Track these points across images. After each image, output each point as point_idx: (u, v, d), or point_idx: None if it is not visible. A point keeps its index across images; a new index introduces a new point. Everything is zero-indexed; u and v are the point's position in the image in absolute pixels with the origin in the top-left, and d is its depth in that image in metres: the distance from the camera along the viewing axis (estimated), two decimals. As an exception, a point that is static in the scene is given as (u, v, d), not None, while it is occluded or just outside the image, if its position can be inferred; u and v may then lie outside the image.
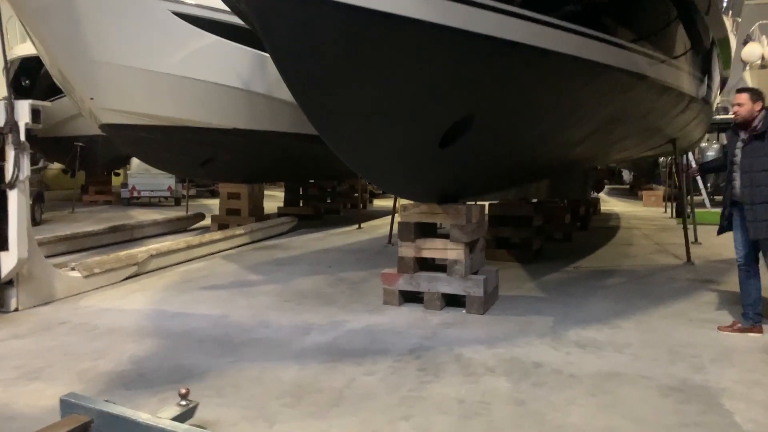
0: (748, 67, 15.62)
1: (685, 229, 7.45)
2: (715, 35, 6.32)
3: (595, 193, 16.87)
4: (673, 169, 13.12)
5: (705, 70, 6.64)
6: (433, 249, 5.01)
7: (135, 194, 15.60)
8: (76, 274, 5.44)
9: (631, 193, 22.63)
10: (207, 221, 10.87)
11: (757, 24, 15.72)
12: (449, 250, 4.93)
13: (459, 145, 4.26)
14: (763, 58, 14.80)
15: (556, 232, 9.58)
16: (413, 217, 5.06)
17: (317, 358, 3.69)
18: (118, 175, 18.74)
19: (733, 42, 8.15)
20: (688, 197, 9.12)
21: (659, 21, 5.01)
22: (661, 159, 17.16)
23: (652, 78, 5.17)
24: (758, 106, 4.28)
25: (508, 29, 3.68)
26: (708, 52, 6.46)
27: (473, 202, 5.32)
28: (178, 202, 16.04)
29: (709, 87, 7.17)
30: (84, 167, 15.43)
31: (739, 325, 4.37)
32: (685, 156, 11.04)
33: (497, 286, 5.37)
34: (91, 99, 7.07)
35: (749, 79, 17.40)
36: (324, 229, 10.91)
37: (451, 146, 4.19)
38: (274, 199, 14.51)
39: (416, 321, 4.60)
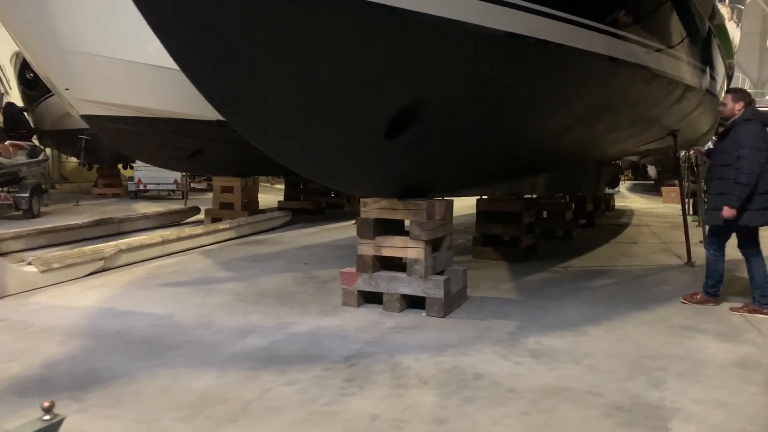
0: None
1: (686, 226, 6.97)
2: (710, 22, 5.83)
3: (613, 189, 16.28)
4: (692, 163, 12.50)
5: (705, 60, 6.16)
6: (393, 247, 4.70)
7: (141, 187, 15.61)
8: (31, 269, 5.30)
9: (655, 188, 21.80)
10: (202, 215, 10.74)
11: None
12: (409, 249, 4.62)
13: (411, 136, 3.94)
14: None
15: (558, 229, 9.16)
16: (372, 213, 4.75)
17: (242, 365, 3.43)
18: (132, 168, 18.89)
19: (735, 30, 7.60)
20: (694, 193, 8.59)
21: (640, 3, 4.59)
22: (682, 153, 16.44)
23: (636, 63, 4.75)
24: (739, 105, 4.57)
25: (458, 10, 3.35)
26: (706, 41, 5.99)
27: (441, 198, 4.98)
28: (185, 195, 16.02)
29: (713, 78, 6.67)
30: (90, 160, 15.51)
31: (699, 296, 4.91)
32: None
33: (464, 287, 5.04)
34: (66, 90, 6.95)
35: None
36: (321, 224, 10.68)
37: (400, 137, 3.87)
38: (279, 192, 14.33)
39: (369, 324, 4.31)
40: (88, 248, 6.12)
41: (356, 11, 2.96)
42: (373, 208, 4.76)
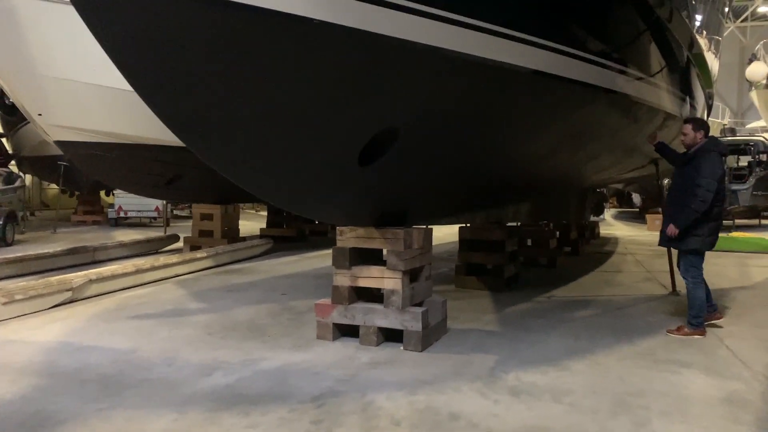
0: (754, 87, 15.03)
1: (669, 255, 6.87)
2: (688, 51, 5.85)
3: (598, 216, 16.26)
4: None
5: (685, 89, 6.16)
6: (370, 277, 4.54)
7: (122, 215, 15.35)
8: (-8, 301, 5.06)
9: (640, 216, 21.86)
10: (181, 243, 10.51)
11: (762, 43, 15.17)
12: (386, 279, 4.46)
13: (385, 163, 3.82)
14: (768, 77, 14.21)
15: (541, 257, 9.05)
16: (349, 241, 4.60)
17: (203, 405, 3.22)
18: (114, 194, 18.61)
19: (713, 61, 7.67)
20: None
21: (618, 31, 4.57)
22: (666, 181, 16.57)
23: (616, 91, 4.71)
24: (700, 134, 4.74)
25: (431, 36, 3.26)
26: (685, 70, 6.00)
27: (420, 226, 4.85)
28: (168, 223, 15.76)
29: (693, 107, 6.67)
30: (70, 186, 15.25)
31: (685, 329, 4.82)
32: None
33: (444, 319, 4.87)
34: (39, 115, 6.79)
35: (756, 100, 16.80)
36: (304, 251, 10.49)
37: (374, 164, 3.75)
38: (264, 219, 14.12)
39: (343, 359, 4.12)
40: (55, 279, 5.89)
41: (323, 37, 2.86)
42: (349, 237, 4.61)
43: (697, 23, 6.14)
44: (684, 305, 6.04)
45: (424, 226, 4.87)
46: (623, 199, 27.43)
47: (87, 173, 9.69)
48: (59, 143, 7.21)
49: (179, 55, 2.65)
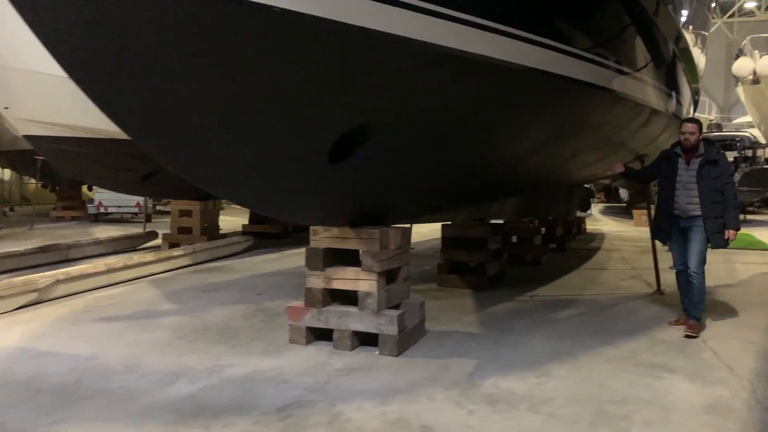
0: (740, 83, 14.98)
1: (654, 252, 6.77)
2: (674, 45, 5.72)
3: (585, 212, 16.19)
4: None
5: (671, 84, 6.03)
6: (344, 279, 4.37)
7: (102, 210, 15.04)
8: (-51, 303, 4.83)
9: (627, 212, 21.85)
10: (160, 240, 10.27)
11: (748, 38, 15.11)
12: (361, 281, 4.29)
13: (358, 161, 3.64)
14: (754, 73, 14.14)
15: (527, 254, 8.93)
16: (323, 242, 4.43)
17: (161, 418, 3.04)
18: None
19: (699, 56, 7.55)
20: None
21: (603, 25, 4.41)
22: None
23: (600, 86, 4.56)
24: (700, 135, 4.91)
25: (403, 26, 3.08)
26: (671, 65, 5.86)
27: (397, 225, 4.68)
28: (149, 219, 15.45)
29: (679, 102, 6.55)
30: (48, 181, 14.91)
31: (684, 318, 4.98)
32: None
33: (422, 321, 4.71)
34: (6, 108, 6.52)
35: (742, 95, 16.79)
36: (286, 248, 10.28)
37: (346, 162, 3.57)
38: (247, 215, 13.89)
39: (314, 365, 3.95)
40: (19, 279, 5.66)
41: (285, 26, 2.67)
42: (323, 237, 4.43)
43: (683, 18, 6.00)
44: (669, 304, 5.95)
45: (402, 226, 4.70)
46: (611, 195, 27.52)
47: (59, 169, 9.38)
48: (28, 138, 6.95)
49: (123, 45, 2.46)
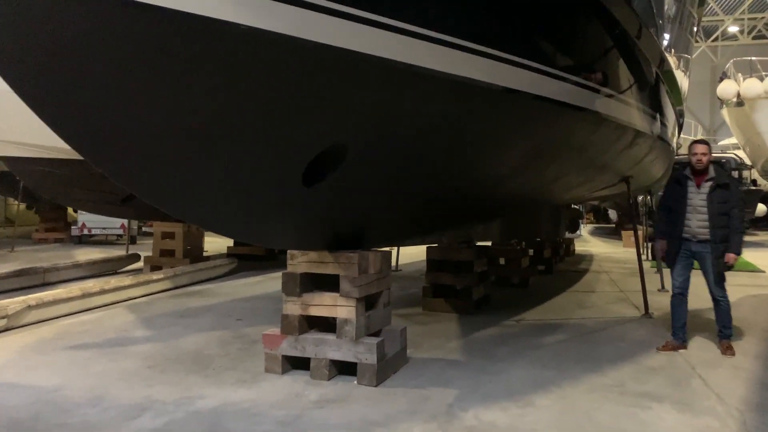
0: (725, 105, 15.11)
1: (642, 274, 6.68)
2: (657, 68, 5.70)
3: (573, 233, 16.14)
4: (649, 209, 12.48)
5: (655, 106, 6.00)
6: (322, 306, 4.22)
7: (86, 232, 14.80)
8: None
9: (616, 232, 21.89)
10: (142, 263, 10.06)
11: (732, 61, 15.29)
12: (339, 307, 4.15)
13: (334, 183, 3.52)
14: (738, 95, 14.27)
15: (514, 276, 8.82)
16: (300, 266, 4.28)
17: (120, 457, 2.86)
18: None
19: (683, 78, 7.58)
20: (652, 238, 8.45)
21: (586, 47, 4.37)
22: (640, 198, 16.56)
23: (581, 107, 4.50)
24: (710, 156, 4.88)
25: (378, 46, 3.00)
26: (655, 88, 5.84)
27: (381, 249, 4.55)
28: (133, 241, 15.21)
29: (663, 124, 6.52)
30: (30, 202, 14.67)
31: (672, 343, 5.01)
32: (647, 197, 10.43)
33: (404, 349, 4.56)
34: (-20, 130, 6.38)
35: (727, 118, 16.94)
36: (271, 271, 10.09)
37: (321, 184, 3.45)
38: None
39: (288, 397, 3.78)
40: (-13, 305, 5.45)
41: (251, 45, 2.57)
42: (300, 262, 4.29)
43: (666, 41, 6.00)
44: (657, 328, 5.84)
45: (383, 249, 4.58)
46: (600, 215, 27.56)
47: (35, 192, 9.18)
48: (3, 159, 6.79)
49: (82, 65, 2.35)
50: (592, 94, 4.62)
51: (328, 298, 4.19)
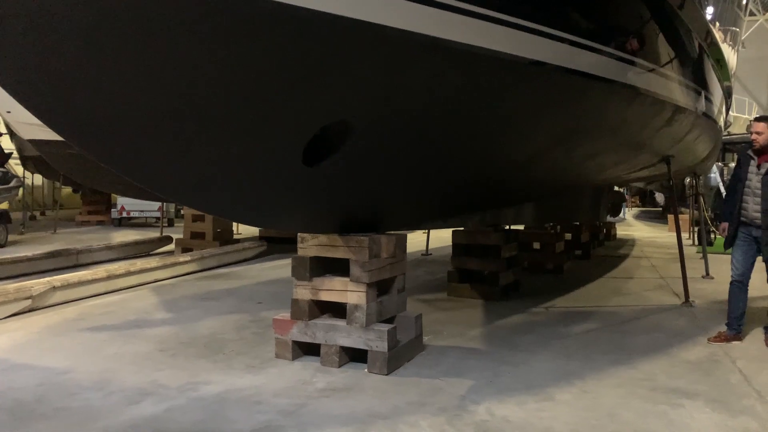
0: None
1: (682, 260, 6.28)
2: (704, 42, 5.24)
3: (615, 217, 15.51)
4: (697, 191, 11.81)
5: (699, 81, 5.55)
6: (332, 290, 4.06)
7: (125, 215, 15.12)
8: (-65, 311, 4.72)
9: (663, 216, 21.01)
10: (173, 246, 10.17)
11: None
12: (349, 293, 3.98)
13: (338, 163, 3.34)
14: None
15: (548, 262, 8.47)
16: (310, 250, 4.14)
17: (113, 444, 2.79)
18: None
19: (730, 53, 7.01)
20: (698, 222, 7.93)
21: (612, 13, 4.01)
22: (687, 180, 15.73)
23: (611, 81, 4.15)
24: None
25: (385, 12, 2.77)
26: (699, 62, 5.39)
27: (394, 233, 4.35)
28: (170, 223, 15.46)
29: (709, 100, 6.05)
30: (72, 185, 15.06)
31: (725, 334, 4.66)
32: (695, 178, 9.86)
33: (419, 336, 4.37)
34: (8, 113, 6.45)
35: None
36: (300, 254, 10.03)
37: (325, 163, 3.27)
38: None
39: (295, 384, 3.65)
40: (13, 286, 5.53)
41: (238, 14, 2.39)
42: (310, 245, 4.15)
43: (710, 14, 5.52)
44: (697, 317, 5.47)
45: (397, 233, 4.38)
46: (646, 198, 26.50)
47: (67, 175, 9.32)
48: (33, 143, 6.88)
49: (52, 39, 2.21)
50: (626, 66, 4.26)
51: (338, 282, 4.03)
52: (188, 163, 2.84)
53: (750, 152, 4.59)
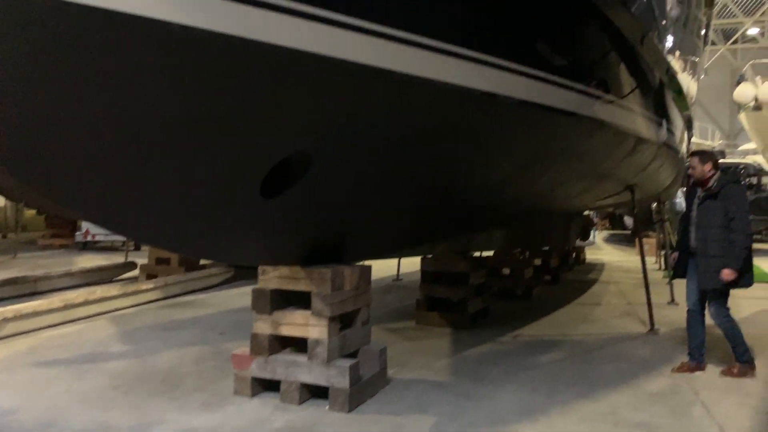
0: (742, 110, 14.59)
1: (647, 288, 6.34)
2: (662, 73, 5.37)
3: (585, 241, 15.67)
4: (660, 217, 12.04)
5: (659, 112, 5.67)
6: (293, 325, 3.96)
7: (89, 238, 14.73)
8: None
9: (632, 239, 21.33)
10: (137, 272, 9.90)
11: (749, 64, 14.76)
12: (310, 327, 3.89)
13: (298, 194, 3.27)
14: (756, 99, 13.75)
15: (517, 288, 8.47)
16: (271, 282, 4.04)
17: (51, 495, 2.63)
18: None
19: (690, 82, 7.21)
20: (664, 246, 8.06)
21: (571, 48, 4.06)
22: (654, 205, 16.05)
23: (572, 113, 4.19)
24: (708, 167, 4.59)
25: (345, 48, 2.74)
26: (658, 93, 5.51)
27: (358, 264, 4.28)
28: (138, 247, 15.10)
29: (670, 131, 6.17)
30: (33, 208, 14.64)
31: (688, 364, 4.69)
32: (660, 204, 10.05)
33: (383, 370, 4.28)
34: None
35: (745, 122, 16.40)
36: (269, 280, 9.86)
37: (285, 195, 3.20)
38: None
39: (252, 424, 3.53)
40: (-39, 318, 5.29)
41: (189, 46, 2.33)
42: (272, 277, 4.04)
43: (669, 44, 5.67)
44: (662, 346, 5.49)
45: (362, 264, 4.31)
46: (615, 221, 26.98)
47: (30, 197, 9.04)
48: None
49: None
50: (587, 99, 4.31)
51: (299, 316, 3.93)
52: (130, 195, 2.74)
53: (693, 184, 4.78)
